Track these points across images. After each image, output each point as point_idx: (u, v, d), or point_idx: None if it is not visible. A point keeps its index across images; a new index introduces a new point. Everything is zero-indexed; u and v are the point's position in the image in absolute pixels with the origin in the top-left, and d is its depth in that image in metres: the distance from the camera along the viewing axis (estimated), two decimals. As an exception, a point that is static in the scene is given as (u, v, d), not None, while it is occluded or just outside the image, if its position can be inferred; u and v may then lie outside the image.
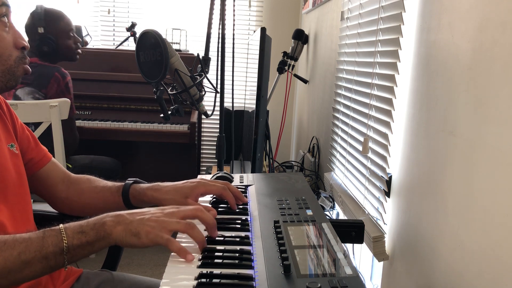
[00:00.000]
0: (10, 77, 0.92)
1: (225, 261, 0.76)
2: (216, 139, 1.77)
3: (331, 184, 1.81)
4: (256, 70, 1.73)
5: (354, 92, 1.61)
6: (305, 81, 2.81)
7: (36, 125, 2.01)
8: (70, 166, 2.40)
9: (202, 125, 3.43)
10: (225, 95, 1.75)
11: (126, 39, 3.31)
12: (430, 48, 1.06)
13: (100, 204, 1.11)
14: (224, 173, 1.23)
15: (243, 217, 0.95)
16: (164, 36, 1.42)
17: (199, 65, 1.64)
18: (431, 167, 1.03)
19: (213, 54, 1.70)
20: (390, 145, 1.24)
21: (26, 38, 2.21)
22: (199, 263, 0.75)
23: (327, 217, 0.93)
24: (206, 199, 1.08)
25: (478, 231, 0.83)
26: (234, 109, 1.80)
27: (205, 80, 1.63)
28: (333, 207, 1.82)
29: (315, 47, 2.64)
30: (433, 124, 1.03)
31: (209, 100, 1.76)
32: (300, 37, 2.74)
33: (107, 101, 2.91)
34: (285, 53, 2.76)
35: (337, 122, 1.86)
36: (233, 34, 1.74)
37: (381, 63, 1.35)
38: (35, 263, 0.75)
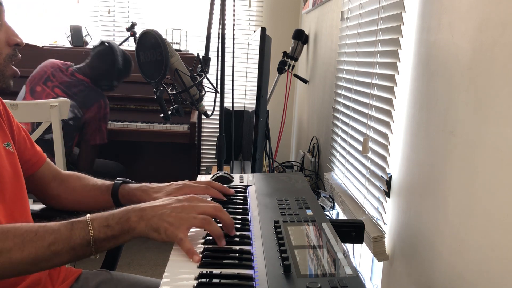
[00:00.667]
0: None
1: (225, 261, 0.76)
2: (216, 139, 1.77)
3: (331, 184, 1.81)
4: (256, 70, 1.73)
5: (354, 92, 1.61)
6: (305, 81, 2.81)
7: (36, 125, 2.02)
8: (72, 167, 2.40)
9: (202, 125, 3.43)
10: (225, 95, 1.75)
11: (126, 39, 3.31)
12: (430, 48, 1.06)
13: (91, 202, 1.13)
14: (224, 173, 1.23)
15: (243, 217, 0.95)
16: (164, 36, 1.42)
17: (199, 65, 1.64)
18: (431, 167, 1.03)
19: (213, 54, 1.70)
20: (390, 145, 1.24)
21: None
22: (199, 263, 0.75)
23: (327, 217, 0.93)
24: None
25: (478, 231, 0.83)
26: (234, 109, 1.80)
27: (205, 80, 1.63)
28: (333, 207, 1.82)
29: (315, 47, 2.64)
30: (433, 124, 1.03)
31: (209, 100, 1.76)
32: (300, 37, 2.74)
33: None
34: (285, 53, 2.77)
35: (337, 122, 1.86)
36: (233, 34, 1.74)
37: (381, 63, 1.35)
38: (64, 253, 0.78)
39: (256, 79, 1.73)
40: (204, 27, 1.75)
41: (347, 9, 1.78)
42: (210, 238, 0.84)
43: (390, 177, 1.27)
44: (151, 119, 2.90)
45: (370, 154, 1.38)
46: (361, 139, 1.45)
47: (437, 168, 1.00)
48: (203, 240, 0.83)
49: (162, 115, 1.59)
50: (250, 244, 0.82)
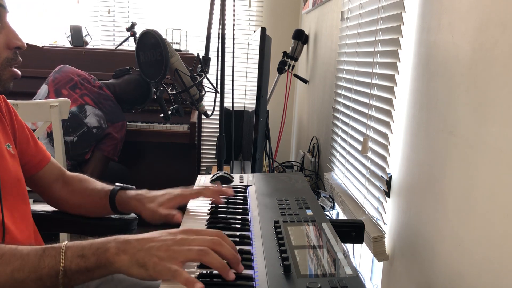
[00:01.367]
0: None
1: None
2: (216, 139, 1.77)
3: (331, 184, 1.81)
4: (256, 70, 1.73)
5: (354, 92, 1.61)
6: (305, 81, 2.81)
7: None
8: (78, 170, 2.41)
9: (202, 125, 3.43)
10: (225, 95, 1.75)
11: (126, 39, 3.30)
12: (430, 48, 1.06)
13: (90, 206, 1.11)
14: (224, 173, 1.23)
15: (243, 217, 0.95)
16: (164, 36, 1.42)
17: (199, 65, 1.64)
18: (431, 167, 1.03)
19: (213, 54, 1.71)
20: (390, 145, 1.24)
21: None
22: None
23: (327, 217, 0.93)
24: (205, 201, 1.08)
25: (478, 231, 0.83)
26: (234, 109, 1.80)
27: (205, 80, 1.63)
28: (333, 207, 1.82)
29: (315, 47, 2.64)
30: (433, 124, 1.03)
31: (209, 100, 1.76)
32: (300, 37, 2.74)
33: (107, 101, 2.91)
34: (285, 53, 2.76)
35: (337, 122, 1.86)
36: (233, 34, 1.74)
37: (381, 63, 1.35)
38: (29, 283, 0.70)
39: (256, 79, 1.73)
40: (204, 27, 1.75)
41: (347, 9, 1.78)
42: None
43: (390, 177, 1.27)
44: (151, 119, 2.89)
45: (370, 154, 1.38)
46: (361, 139, 1.45)
47: (437, 168, 1.00)
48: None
49: (162, 115, 1.59)
50: (250, 244, 0.82)
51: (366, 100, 1.46)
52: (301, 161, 2.65)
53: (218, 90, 1.70)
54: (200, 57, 1.64)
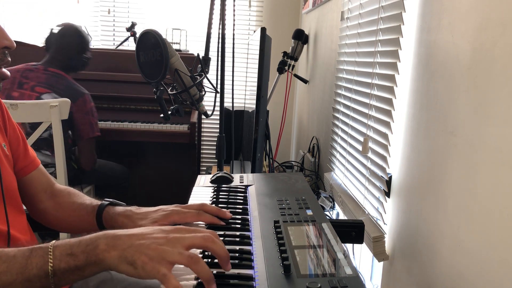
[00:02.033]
0: None
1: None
2: (216, 139, 1.77)
3: (331, 184, 1.81)
4: (256, 70, 1.73)
5: (354, 92, 1.61)
6: (305, 81, 2.81)
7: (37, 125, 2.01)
8: (75, 166, 2.40)
9: (202, 125, 3.43)
10: (225, 95, 1.75)
11: (126, 39, 3.31)
12: (430, 48, 1.06)
13: (75, 222, 1.05)
14: (224, 173, 1.23)
15: (243, 217, 0.95)
16: (164, 36, 1.42)
17: (199, 65, 1.64)
18: (431, 167, 1.03)
19: (213, 54, 1.70)
20: (390, 145, 1.24)
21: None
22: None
23: (327, 217, 0.93)
24: (205, 201, 1.08)
25: (478, 231, 0.83)
26: (234, 109, 1.80)
27: (205, 80, 1.63)
28: (333, 207, 1.82)
29: (315, 47, 2.64)
30: (433, 124, 1.03)
31: (209, 100, 1.76)
32: (300, 37, 2.74)
33: (107, 101, 2.91)
34: (285, 53, 2.77)
35: (337, 122, 1.86)
36: (233, 34, 1.74)
37: (381, 63, 1.35)
38: (17, 285, 0.67)
39: (256, 79, 1.73)
40: (204, 27, 1.75)
41: (347, 9, 1.78)
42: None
43: (390, 177, 1.27)
44: (151, 119, 2.89)
45: (370, 154, 1.38)
46: (361, 139, 1.45)
47: (437, 168, 1.00)
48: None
49: (162, 115, 1.59)
50: (250, 244, 0.82)
51: (366, 100, 1.46)
52: (301, 161, 2.65)
53: (218, 90, 1.69)
54: (200, 57, 1.64)
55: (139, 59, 1.48)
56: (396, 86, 1.22)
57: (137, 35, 1.49)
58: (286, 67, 2.75)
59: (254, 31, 2.89)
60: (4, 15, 3.35)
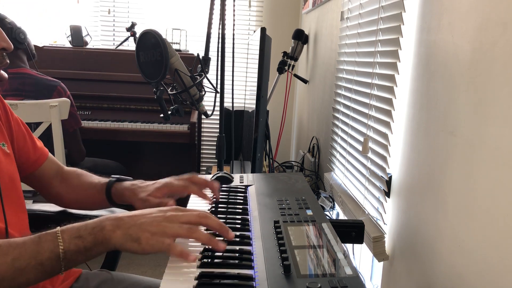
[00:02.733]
0: None
1: (225, 261, 0.76)
2: (216, 139, 1.77)
3: (331, 184, 1.81)
4: (256, 70, 1.73)
5: (354, 92, 1.61)
6: (305, 81, 2.81)
7: (37, 125, 2.01)
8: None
9: (202, 125, 3.43)
10: (225, 95, 1.75)
11: (126, 39, 3.31)
12: (430, 48, 1.06)
13: (88, 201, 1.11)
14: (224, 173, 1.23)
15: (243, 217, 0.95)
16: (164, 36, 1.42)
17: (199, 65, 1.64)
18: (431, 167, 1.03)
19: (213, 54, 1.70)
20: (390, 145, 1.24)
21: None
22: (199, 263, 0.75)
23: (327, 217, 0.93)
24: (205, 202, 1.07)
25: (478, 231, 0.83)
26: (234, 109, 1.80)
27: (205, 80, 1.63)
28: (333, 207, 1.82)
29: (315, 47, 2.64)
30: (433, 124, 1.03)
31: (209, 100, 1.76)
32: (300, 37, 2.74)
33: (107, 101, 2.91)
34: (285, 53, 2.76)
35: (337, 122, 1.86)
36: (233, 34, 1.74)
37: (381, 63, 1.35)
38: (30, 269, 0.71)
39: (256, 79, 1.73)
40: (204, 27, 1.75)
41: (347, 9, 1.78)
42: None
43: (390, 177, 1.27)
44: (151, 119, 2.90)
45: (370, 154, 1.38)
46: (361, 139, 1.45)
47: (437, 168, 1.00)
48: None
49: (162, 115, 1.59)
50: (250, 244, 0.82)
51: (366, 100, 1.46)
52: (301, 161, 2.65)
53: (218, 90, 1.69)
54: (200, 57, 1.64)
55: (139, 59, 1.48)
56: (396, 86, 1.22)
57: (137, 35, 1.49)
58: (286, 67, 2.75)
59: (254, 31, 2.89)
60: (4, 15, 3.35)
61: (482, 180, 0.82)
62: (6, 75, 0.90)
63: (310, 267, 0.70)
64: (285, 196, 1.05)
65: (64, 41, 3.27)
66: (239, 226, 0.91)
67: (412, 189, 1.13)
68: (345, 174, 1.70)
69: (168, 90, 1.57)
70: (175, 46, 3.11)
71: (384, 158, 1.26)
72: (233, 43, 1.73)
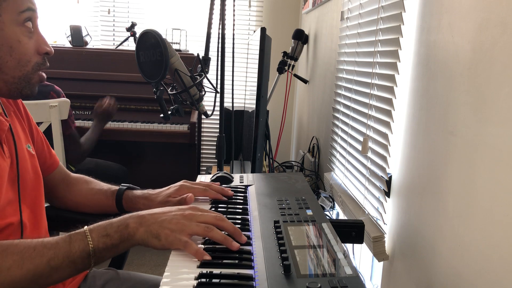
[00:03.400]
0: (25, 84, 0.90)
1: (225, 261, 0.76)
2: (216, 139, 1.77)
3: (331, 184, 1.81)
4: (256, 70, 1.73)
5: (354, 92, 1.61)
6: (305, 81, 2.81)
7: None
8: (73, 168, 2.39)
9: (202, 125, 3.43)
10: (225, 95, 1.75)
11: (126, 39, 3.30)
12: (430, 48, 1.06)
13: (94, 206, 1.14)
14: (224, 173, 1.23)
15: (243, 217, 0.95)
16: (164, 36, 1.42)
17: (199, 65, 1.64)
18: (431, 167, 1.03)
19: (213, 54, 1.70)
20: (390, 145, 1.24)
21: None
22: (199, 263, 0.75)
23: (327, 217, 0.93)
24: (205, 202, 1.08)
25: (478, 231, 0.83)
26: (234, 109, 1.80)
27: (205, 80, 1.63)
28: (333, 207, 1.82)
29: (315, 47, 2.64)
30: (433, 124, 1.03)
31: (209, 100, 1.76)
32: (300, 37, 2.74)
33: (107, 101, 2.91)
34: (285, 53, 2.76)
35: (337, 122, 1.86)
36: (233, 34, 1.74)
37: (381, 63, 1.35)
38: (64, 268, 0.77)
39: (256, 79, 1.73)
40: (204, 27, 1.75)
41: (347, 9, 1.78)
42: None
43: (390, 177, 1.27)
44: (151, 119, 2.90)
45: (370, 154, 1.38)
46: (361, 139, 1.45)
47: (437, 168, 1.00)
48: (203, 240, 0.83)
49: (162, 115, 1.59)
50: (250, 244, 0.82)
51: (366, 100, 1.46)
52: (301, 161, 2.65)
53: (218, 90, 1.69)
54: (200, 57, 1.64)
55: (139, 59, 1.48)
56: (396, 86, 1.22)
57: (137, 35, 1.49)
58: (286, 67, 2.75)
59: (254, 31, 2.89)
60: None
61: (482, 180, 0.82)
62: (45, 75, 0.95)
63: (310, 267, 0.70)
64: (285, 196, 1.05)
65: (64, 41, 3.26)
66: (239, 226, 0.91)
67: (412, 189, 1.13)
68: (345, 174, 1.71)
69: (168, 90, 1.57)
70: (175, 46, 3.11)
71: (384, 158, 1.26)
72: (233, 43, 1.73)
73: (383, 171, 1.27)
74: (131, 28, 3.15)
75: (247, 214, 0.97)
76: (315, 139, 2.42)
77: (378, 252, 1.28)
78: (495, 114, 0.79)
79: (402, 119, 1.21)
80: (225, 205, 1.03)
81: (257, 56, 1.73)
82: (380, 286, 1.37)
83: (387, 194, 1.28)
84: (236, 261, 0.76)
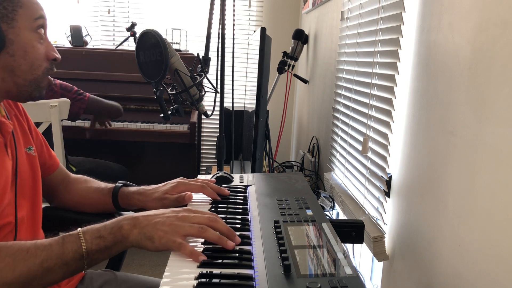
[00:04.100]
0: (35, 87, 0.93)
1: (225, 261, 0.76)
2: (216, 139, 1.77)
3: (331, 184, 1.81)
4: (256, 70, 1.73)
5: (354, 92, 1.61)
6: (305, 81, 2.81)
7: (36, 125, 2.01)
8: (74, 169, 2.39)
9: (202, 125, 3.43)
10: (225, 95, 1.75)
11: (126, 39, 3.30)
12: (430, 48, 1.06)
13: (92, 204, 1.15)
14: (224, 173, 1.23)
15: (243, 217, 0.95)
16: (164, 36, 1.42)
17: (199, 65, 1.64)
18: (431, 167, 1.03)
19: (213, 54, 1.70)
20: (390, 145, 1.24)
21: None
22: (199, 263, 0.75)
23: (327, 217, 0.93)
24: (205, 202, 1.08)
25: (478, 231, 0.83)
26: (234, 109, 1.80)
27: (205, 80, 1.62)
28: (333, 207, 1.82)
29: (315, 47, 2.64)
30: (433, 124, 1.03)
31: (209, 100, 1.76)
32: (300, 37, 2.74)
33: (107, 101, 2.91)
34: (285, 53, 2.76)
35: (337, 122, 1.86)
36: (233, 34, 1.74)
37: (381, 63, 1.35)
38: (57, 269, 0.77)
39: (256, 79, 1.73)
40: (204, 27, 1.75)
41: (347, 9, 1.78)
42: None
43: (390, 177, 1.27)
44: (151, 119, 2.90)
45: (370, 154, 1.38)
46: (361, 139, 1.45)
47: (437, 168, 1.00)
48: (203, 240, 0.83)
49: (162, 115, 1.59)
50: (250, 244, 0.82)
51: (366, 100, 1.46)
52: (301, 161, 2.65)
53: (218, 90, 1.69)
54: (200, 57, 1.64)
55: (139, 59, 1.48)
56: (396, 86, 1.22)
57: (137, 35, 1.49)
58: (286, 67, 2.75)
59: (254, 31, 2.89)
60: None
61: (482, 180, 0.82)
62: (52, 80, 0.99)
63: (310, 267, 0.70)
64: (285, 196, 1.05)
65: (64, 41, 3.26)
66: (239, 226, 0.91)
67: (412, 189, 1.13)
68: (345, 174, 1.70)
69: (168, 90, 1.57)
70: (175, 46, 3.11)
71: (384, 158, 1.26)
72: (233, 43, 1.73)
73: (383, 171, 1.27)
74: (131, 28, 3.15)
75: (247, 214, 0.97)
76: (315, 139, 2.42)
77: (378, 252, 1.28)
78: (495, 114, 0.79)
79: (402, 119, 1.21)
80: (225, 205, 1.03)
81: (257, 56, 1.73)
82: (380, 286, 1.37)
83: (387, 194, 1.28)
84: (236, 261, 0.76)
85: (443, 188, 0.97)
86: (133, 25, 3.16)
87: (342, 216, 1.74)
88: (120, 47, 3.32)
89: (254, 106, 1.78)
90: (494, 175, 0.78)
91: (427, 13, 1.09)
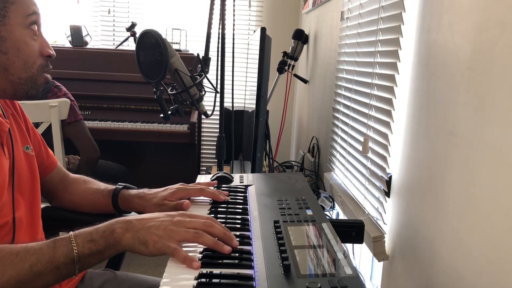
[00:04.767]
0: (31, 85, 0.92)
1: (225, 261, 0.76)
2: (216, 139, 1.77)
3: (331, 184, 1.81)
4: (256, 70, 1.73)
5: (354, 92, 1.61)
6: (305, 81, 2.81)
7: (36, 125, 2.01)
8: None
9: (202, 125, 3.43)
10: (225, 95, 1.75)
11: (126, 39, 3.30)
12: (430, 48, 1.06)
13: (92, 205, 1.15)
14: (224, 173, 1.23)
15: (243, 217, 0.95)
16: (164, 36, 1.42)
17: (199, 65, 1.64)
18: (431, 167, 1.03)
19: (213, 54, 1.70)
20: (390, 145, 1.24)
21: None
22: (199, 263, 0.75)
23: (327, 217, 0.93)
24: (205, 202, 1.08)
25: (478, 231, 0.83)
26: (234, 109, 1.80)
27: (205, 80, 1.62)
28: (333, 207, 1.82)
29: (315, 47, 2.64)
30: (433, 124, 1.03)
31: (209, 100, 1.76)
32: (300, 37, 2.74)
33: (107, 101, 2.91)
34: (285, 53, 2.76)
35: (337, 122, 1.86)
36: (233, 34, 1.74)
37: (381, 63, 1.35)
38: (47, 274, 0.75)
39: (256, 79, 1.73)
40: (204, 27, 1.75)
41: (347, 9, 1.78)
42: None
43: (390, 177, 1.27)
44: (151, 119, 2.90)
45: (370, 154, 1.38)
46: (361, 139, 1.45)
47: (437, 168, 1.00)
48: None
49: (162, 115, 1.59)
50: (250, 244, 0.82)
51: (366, 100, 1.46)
52: (301, 161, 2.65)
53: (218, 90, 1.69)
54: (200, 57, 1.64)
55: (139, 59, 1.48)
56: (396, 86, 1.22)
57: (137, 35, 1.49)
58: (286, 67, 2.75)
59: (254, 31, 2.89)
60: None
61: (482, 180, 0.82)
62: (50, 77, 0.97)
63: (310, 267, 0.70)
64: (285, 196, 1.05)
65: (64, 41, 3.26)
66: (239, 226, 0.91)
67: (412, 189, 1.13)
68: (345, 174, 1.70)
69: (168, 90, 1.57)
70: (175, 46, 3.11)
71: (384, 158, 1.26)
72: (233, 43, 1.73)
73: (383, 171, 1.27)
74: (131, 28, 3.15)
75: (247, 214, 0.97)
76: (315, 139, 2.42)
77: (378, 252, 1.28)
78: (495, 114, 0.79)
79: (402, 119, 1.21)
80: (225, 205, 1.03)
81: (257, 56, 1.73)
82: (380, 286, 1.37)
83: (387, 194, 1.28)
84: (236, 261, 0.76)
85: (443, 188, 0.97)
86: (133, 25, 3.16)
87: (342, 216, 1.74)
88: (120, 47, 3.32)
89: (254, 106, 1.78)
90: (494, 175, 0.78)
91: (427, 13, 1.09)
